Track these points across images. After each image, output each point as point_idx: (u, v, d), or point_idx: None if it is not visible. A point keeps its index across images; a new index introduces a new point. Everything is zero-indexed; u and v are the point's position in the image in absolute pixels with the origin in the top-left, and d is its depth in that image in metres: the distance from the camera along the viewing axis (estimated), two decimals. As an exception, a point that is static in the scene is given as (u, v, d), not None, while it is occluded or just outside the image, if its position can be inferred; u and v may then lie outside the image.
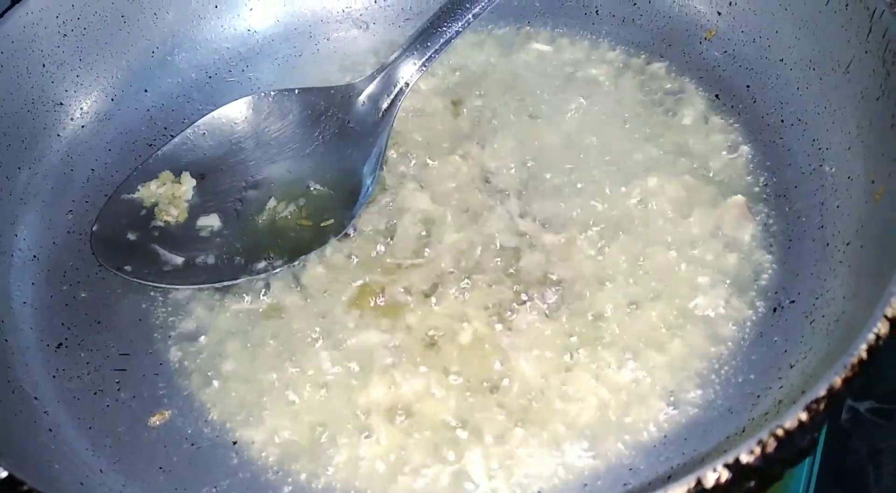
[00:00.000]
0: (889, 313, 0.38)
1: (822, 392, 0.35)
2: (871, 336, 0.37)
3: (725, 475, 0.34)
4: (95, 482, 0.51)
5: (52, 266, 0.61)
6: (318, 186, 0.64)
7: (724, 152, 0.63)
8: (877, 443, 0.67)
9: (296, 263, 0.60)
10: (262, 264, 0.60)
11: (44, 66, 0.65)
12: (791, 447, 0.34)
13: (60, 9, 0.65)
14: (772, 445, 0.34)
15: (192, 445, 0.53)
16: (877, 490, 0.66)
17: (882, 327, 0.37)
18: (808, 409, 0.35)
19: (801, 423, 0.34)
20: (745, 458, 0.34)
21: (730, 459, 0.34)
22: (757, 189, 0.60)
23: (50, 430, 0.53)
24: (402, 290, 0.57)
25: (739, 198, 0.59)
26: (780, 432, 0.34)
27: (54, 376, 0.56)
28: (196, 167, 0.64)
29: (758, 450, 0.34)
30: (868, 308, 0.43)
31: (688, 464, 0.48)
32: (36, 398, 0.54)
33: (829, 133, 0.59)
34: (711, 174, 0.61)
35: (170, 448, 0.53)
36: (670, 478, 0.41)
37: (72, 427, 0.54)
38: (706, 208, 0.59)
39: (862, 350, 0.36)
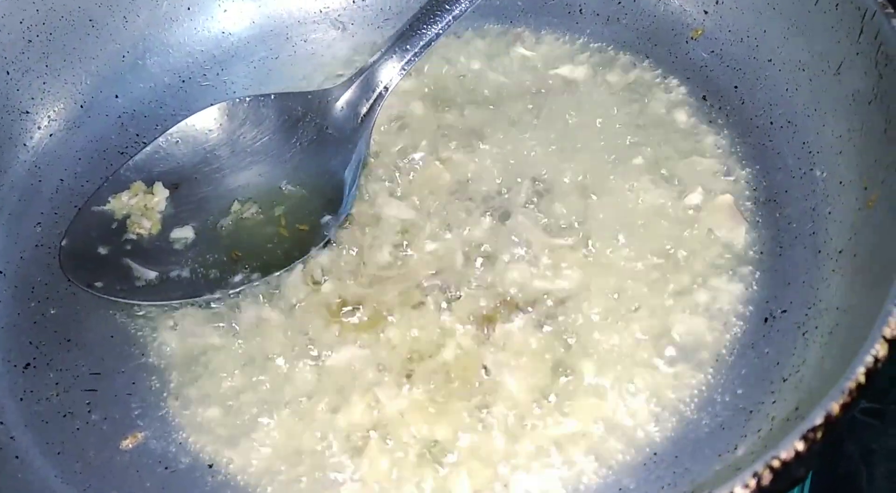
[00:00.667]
0: (888, 333, 0.36)
1: (818, 420, 0.34)
2: (870, 359, 0.36)
3: (720, 509, 0.32)
4: (65, 511, 0.49)
5: (20, 282, 0.59)
6: (295, 194, 0.62)
7: (712, 155, 0.61)
8: (869, 444, 0.67)
9: (274, 275, 0.58)
10: (238, 278, 0.58)
11: (7, 73, 0.63)
12: (786, 478, 0.33)
13: (24, 13, 0.63)
14: (767, 477, 0.33)
15: (166, 468, 0.51)
16: (870, 492, 0.65)
17: (881, 349, 0.36)
18: (804, 438, 0.33)
19: (797, 453, 0.33)
20: (740, 492, 0.32)
21: (724, 492, 0.32)
22: (746, 193, 0.59)
23: (16, 457, 0.51)
24: (383, 303, 0.56)
25: (727, 198, 0.58)
26: (776, 463, 0.33)
27: (21, 399, 0.54)
28: (169, 177, 0.62)
29: (753, 483, 0.33)
30: (863, 323, 0.41)
31: (679, 483, 0.47)
32: (1, 423, 0.53)
33: (820, 136, 0.57)
34: (698, 177, 0.60)
35: (142, 472, 0.51)
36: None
37: (39, 453, 0.52)
38: (694, 212, 0.58)
39: (860, 374, 0.35)
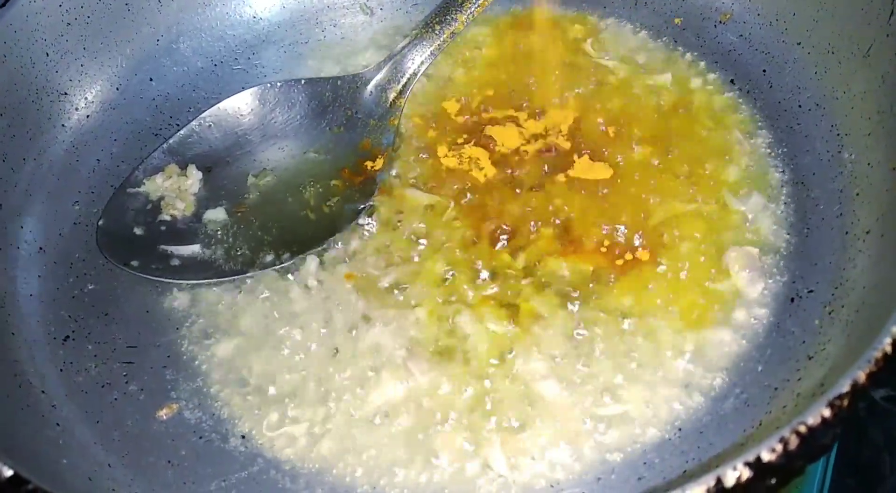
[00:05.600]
0: (915, 305, 0.37)
1: (845, 388, 0.34)
2: (896, 330, 0.36)
3: (746, 473, 0.33)
4: (103, 476, 0.50)
5: (59, 258, 0.61)
6: (324, 177, 0.63)
7: (741, 138, 0.61)
8: (893, 431, 0.66)
9: (304, 254, 0.59)
10: (270, 257, 0.59)
11: (47, 55, 0.65)
12: (813, 444, 0.33)
13: (63, -3, 0.64)
14: (794, 442, 0.33)
15: (201, 438, 0.52)
16: (893, 479, 0.65)
17: (907, 321, 0.36)
18: (831, 405, 0.34)
19: (824, 419, 0.33)
20: (767, 456, 0.33)
21: (751, 457, 0.33)
22: (775, 176, 0.59)
23: (58, 424, 0.53)
24: (411, 283, 0.57)
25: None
26: (802, 428, 0.33)
27: (62, 370, 0.56)
28: (202, 160, 0.64)
29: (779, 448, 0.33)
30: (890, 300, 0.42)
31: (703, 458, 0.47)
32: (43, 392, 0.54)
33: (849, 119, 0.57)
34: (728, 162, 0.60)
35: (178, 442, 0.52)
36: (690, 476, 0.40)
37: (80, 421, 0.53)
38: (724, 197, 0.58)
39: (887, 344, 0.35)
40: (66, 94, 0.66)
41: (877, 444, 0.66)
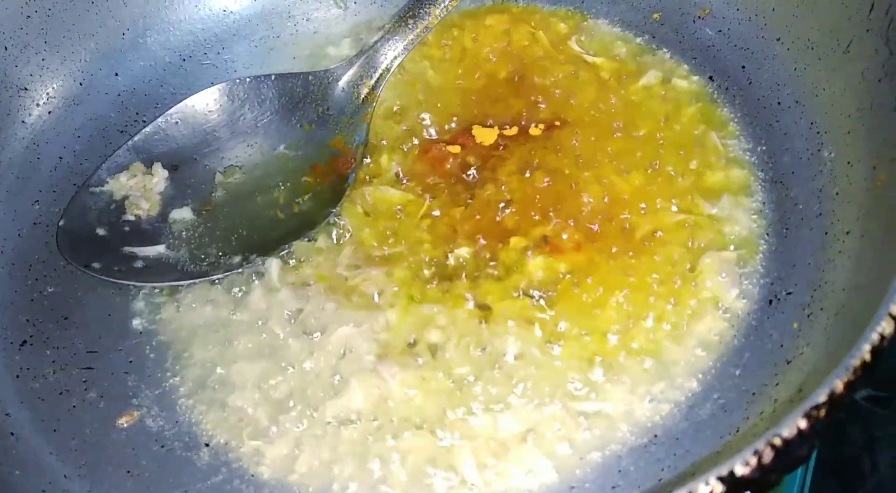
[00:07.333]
0: (895, 311, 0.35)
1: (822, 398, 0.33)
2: (876, 336, 0.35)
3: (719, 488, 0.31)
4: (59, 488, 0.49)
5: (17, 260, 0.59)
6: (294, 175, 0.61)
7: (718, 136, 0.60)
8: (873, 431, 0.66)
9: (272, 255, 0.57)
10: (237, 259, 0.57)
11: (6, 48, 0.63)
12: (789, 457, 0.32)
13: (22, -13, 0.62)
14: (769, 455, 0.32)
15: (162, 447, 0.51)
16: (873, 480, 0.65)
17: (887, 326, 0.35)
18: (807, 416, 0.32)
19: (800, 431, 0.32)
20: (741, 470, 0.32)
21: (724, 471, 0.32)
22: (752, 175, 0.58)
23: (12, 434, 0.51)
24: (382, 283, 0.55)
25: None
26: (777, 441, 0.32)
27: (17, 376, 0.54)
28: (168, 158, 0.62)
29: (753, 461, 0.32)
30: (870, 303, 0.41)
31: (679, 466, 0.46)
32: (-3, 400, 0.52)
33: (829, 116, 0.56)
34: (706, 162, 0.59)
35: (139, 451, 0.51)
36: (664, 487, 0.39)
37: (35, 430, 0.51)
38: (700, 198, 0.57)
39: (865, 352, 0.34)
40: (25, 89, 0.64)
41: (857, 444, 0.65)
